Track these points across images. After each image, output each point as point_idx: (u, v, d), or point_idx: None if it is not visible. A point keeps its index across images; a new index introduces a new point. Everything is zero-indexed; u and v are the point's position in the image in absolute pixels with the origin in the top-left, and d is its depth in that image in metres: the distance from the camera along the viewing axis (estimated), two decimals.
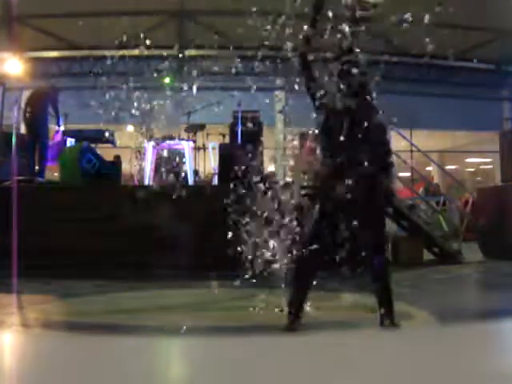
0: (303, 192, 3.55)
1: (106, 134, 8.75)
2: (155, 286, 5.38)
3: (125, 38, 11.11)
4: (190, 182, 8.31)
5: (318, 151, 3.36)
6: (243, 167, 6.16)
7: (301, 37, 3.38)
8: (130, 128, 11.12)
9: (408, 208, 7.80)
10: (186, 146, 8.54)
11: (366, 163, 3.14)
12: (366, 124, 3.19)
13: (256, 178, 4.80)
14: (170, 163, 8.59)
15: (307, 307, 3.44)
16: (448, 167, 16.36)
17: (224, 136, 9.77)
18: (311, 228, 3.30)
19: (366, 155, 3.16)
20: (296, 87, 3.68)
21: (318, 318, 3.55)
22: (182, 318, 3.82)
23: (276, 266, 4.19)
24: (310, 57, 3.39)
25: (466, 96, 14.45)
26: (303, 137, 5.56)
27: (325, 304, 4.00)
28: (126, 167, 9.17)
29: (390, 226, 7.26)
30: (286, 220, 4.44)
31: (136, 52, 14.04)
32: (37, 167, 7.53)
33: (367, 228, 3.23)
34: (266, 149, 10.04)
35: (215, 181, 8.69)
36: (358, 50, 3.46)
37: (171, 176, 8.32)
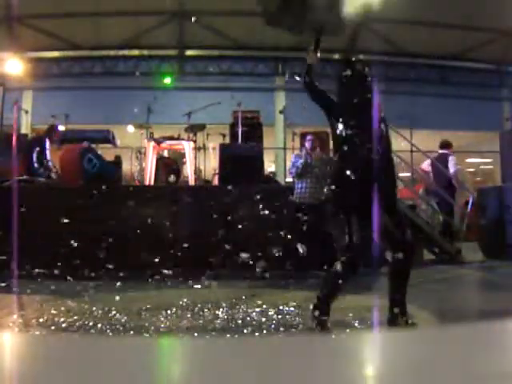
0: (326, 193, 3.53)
1: (107, 134, 8.75)
2: (155, 286, 5.38)
3: (125, 38, 11.11)
4: (191, 182, 8.30)
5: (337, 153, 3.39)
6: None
7: (305, 66, 3.44)
8: (131, 128, 11.14)
9: (408, 208, 7.80)
10: (187, 147, 8.53)
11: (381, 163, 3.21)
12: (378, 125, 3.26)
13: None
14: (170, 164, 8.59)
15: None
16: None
17: (224, 136, 9.78)
18: (347, 230, 3.26)
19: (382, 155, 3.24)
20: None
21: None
22: (182, 318, 3.82)
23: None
24: (316, 82, 3.44)
25: (466, 96, 14.46)
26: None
27: None
28: (126, 167, 9.17)
29: None
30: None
31: (136, 52, 14.08)
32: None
33: (389, 227, 3.25)
34: (266, 149, 10.06)
35: (216, 181, 8.69)
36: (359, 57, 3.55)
37: (172, 176, 8.32)
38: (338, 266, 3.24)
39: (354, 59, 3.56)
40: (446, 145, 8.66)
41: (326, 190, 3.46)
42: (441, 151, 8.60)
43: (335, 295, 3.29)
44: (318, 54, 3.53)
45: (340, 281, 3.29)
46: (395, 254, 3.28)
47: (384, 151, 3.29)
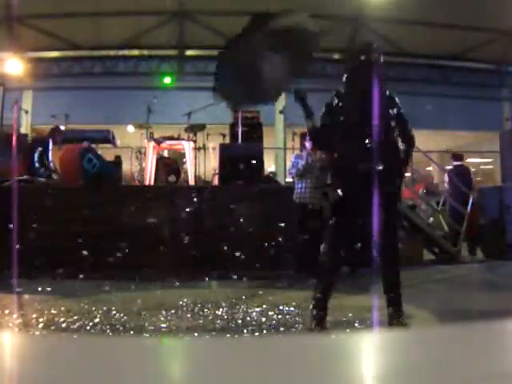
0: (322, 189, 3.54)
1: (107, 134, 8.75)
2: (155, 285, 5.38)
3: (125, 38, 11.08)
4: (191, 182, 8.31)
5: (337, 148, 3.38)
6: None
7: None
8: (131, 128, 11.14)
9: (408, 208, 7.81)
10: (187, 147, 8.53)
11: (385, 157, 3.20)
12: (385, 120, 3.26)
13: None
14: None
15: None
16: (448, 167, 16.38)
17: (224, 136, 9.78)
18: (334, 224, 3.30)
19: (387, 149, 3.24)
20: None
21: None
22: (182, 318, 3.82)
23: None
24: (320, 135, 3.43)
25: (466, 96, 14.46)
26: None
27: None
28: (126, 167, 9.17)
29: None
30: None
31: (136, 52, 14.08)
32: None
33: (381, 226, 3.24)
34: (266, 149, 10.06)
35: (216, 181, 8.69)
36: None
37: (172, 176, 8.32)
38: (327, 264, 3.29)
39: (370, 48, 3.54)
40: (461, 157, 9.35)
41: (328, 180, 3.44)
42: (457, 163, 9.17)
43: (329, 293, 3.31)
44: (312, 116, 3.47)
45: (331, 278, 3.33)
46: (381, 254, 3.31)
47: (385, 142, 3.26)
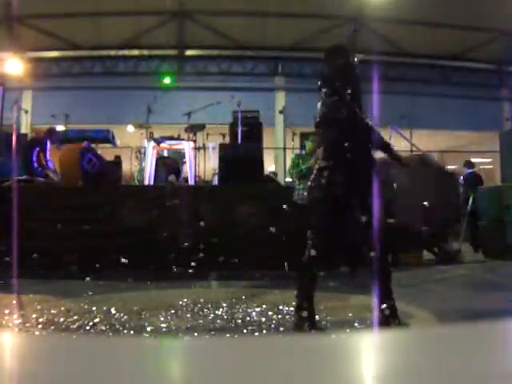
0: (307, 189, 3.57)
1: (107, 134, 8.75)
2: (155, 286, 5.38)
3: (125, 38, 11.06)
4: (191, 182, 8.31)
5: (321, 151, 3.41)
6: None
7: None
8: (131, 128, 11.15)
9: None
10: (187, 147, 8.53)
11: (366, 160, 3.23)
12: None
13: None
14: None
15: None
16: (448, 167, 16.39)
17: (224, 136, 9.78)
18: (318, 224, 3.32)
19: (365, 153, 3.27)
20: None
21: (319, 318, 3.54)
22: (182, 318, 3.82)
23: None
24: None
25: (466, 96, 14.47)
26: None
27: (325, 304, 4.00)
28: (126, 167, 9.17)
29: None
30: None
31: (136, 52, 14.08)
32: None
33: (370, 228, 3.25)
34: (266, 149, 10.07)
35: (215, 181, 8.69)
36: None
37: (172, 176, 8.32)
38: (306, 263, 3.30)
39: (345, 49, 3.59)
40: (472, 164, 9.64)
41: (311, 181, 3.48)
42: (470, 170, 9.48)
43: (314, 289, 3.32)
44: None
45: (309, 276, 3.33)
46: (370, 252, 3.32)
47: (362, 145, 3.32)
